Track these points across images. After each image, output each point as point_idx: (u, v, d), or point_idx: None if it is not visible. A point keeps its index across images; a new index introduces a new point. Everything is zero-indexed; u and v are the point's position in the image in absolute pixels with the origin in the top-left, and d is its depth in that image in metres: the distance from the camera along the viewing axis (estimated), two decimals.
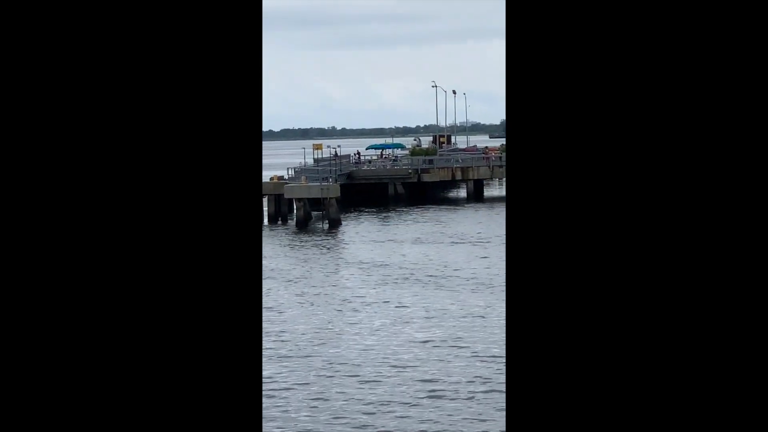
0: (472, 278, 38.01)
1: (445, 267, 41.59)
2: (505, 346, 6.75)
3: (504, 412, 6.87)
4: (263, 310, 30.59)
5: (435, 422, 19.88)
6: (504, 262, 6.65)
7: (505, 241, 6.79)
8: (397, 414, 20.52)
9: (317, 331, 29.32)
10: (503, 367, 20.21)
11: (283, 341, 27.90)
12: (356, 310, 32.58)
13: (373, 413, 20.58)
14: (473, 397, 21.22)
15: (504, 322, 6.91)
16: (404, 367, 24.31)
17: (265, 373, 24.04)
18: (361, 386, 22.71)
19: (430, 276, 39.32)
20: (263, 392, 20.76)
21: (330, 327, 29.96)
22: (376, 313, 32.05)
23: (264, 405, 21.21)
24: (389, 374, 23.72)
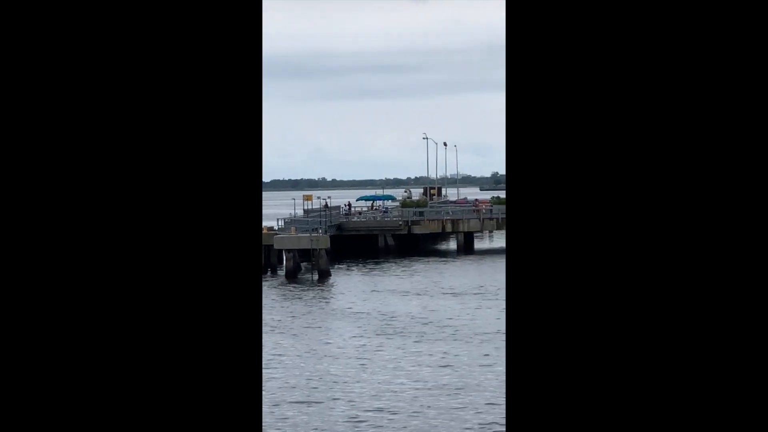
0: (465, 329, 37.84)
1: (437, 318, 41.39)
2: (505, 349, 6.74)
3: (503, 412, 6.86)
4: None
5: None
6: (503, 313, 6.58)
7: (506, 288, 6.77)
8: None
9: (307, 380, 29.11)
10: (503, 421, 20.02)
11: (274, 391, 27.69)
12: (343, 360, 32.38)
13: None
14: None
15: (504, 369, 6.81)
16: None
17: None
18: None
19: (422, 327, 39.13)
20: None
21: (318, 377, 29.75)
22: (364, 363, 31.84)
23: None
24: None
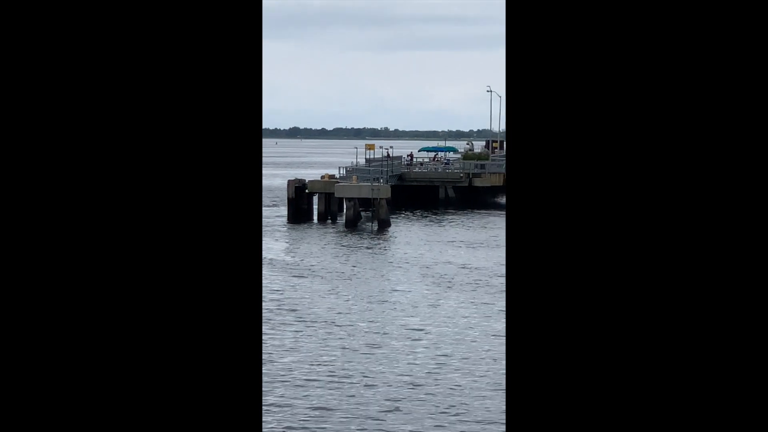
0: None
1: (499, 271, 41.40)
2: (505, 347, 6.73)
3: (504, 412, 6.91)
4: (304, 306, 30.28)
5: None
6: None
7: (506, 244, 6.78)
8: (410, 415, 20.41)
9: (350, 328, 29.27)
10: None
11: (320, 336, 27.88)
12: (393, 310, 32.51)
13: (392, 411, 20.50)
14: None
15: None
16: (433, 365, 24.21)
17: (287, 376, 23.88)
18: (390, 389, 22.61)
19: (482, 279, 39.17)
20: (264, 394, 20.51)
21: (364, 326, 29.90)
22: (411, 313, 31.96)
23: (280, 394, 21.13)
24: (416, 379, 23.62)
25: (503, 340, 27.99)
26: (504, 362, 25.15)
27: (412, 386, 22.97)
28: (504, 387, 22.12)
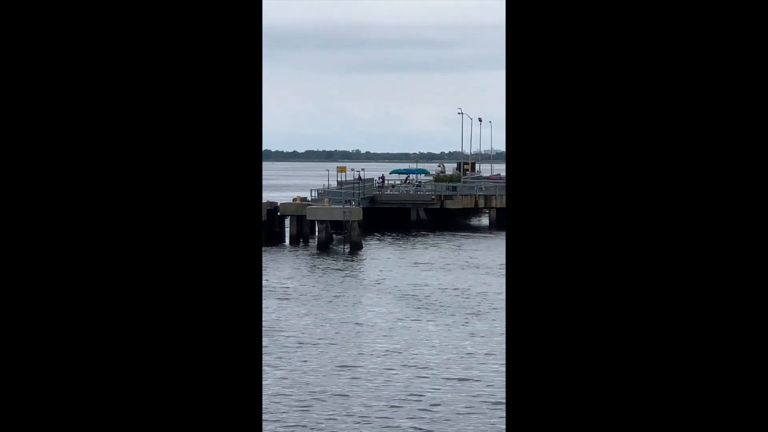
0: (499, 303, 38.04)
1: (469, 293, 41.55)
2: (505, 348, 6.75)
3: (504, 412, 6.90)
4: (273, 330, 30.17)
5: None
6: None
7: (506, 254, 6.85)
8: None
9: (325, 349, 29.37)
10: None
11: (292, 361, 27.96)
12: (366, 332, 32.61)
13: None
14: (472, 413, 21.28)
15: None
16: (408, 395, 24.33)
17: (273, 399, 24.00)
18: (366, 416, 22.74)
19: (454, 302, 39.31)
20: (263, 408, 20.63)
21: (338, 348, 30.00)
22: (385, 336, 32.06)
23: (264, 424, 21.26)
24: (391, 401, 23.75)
25: (483, 359, 28.17)
26: (487, 380, 25.34)
27: (394, 407, 23.13)
28: (497, 403, 22.32)
